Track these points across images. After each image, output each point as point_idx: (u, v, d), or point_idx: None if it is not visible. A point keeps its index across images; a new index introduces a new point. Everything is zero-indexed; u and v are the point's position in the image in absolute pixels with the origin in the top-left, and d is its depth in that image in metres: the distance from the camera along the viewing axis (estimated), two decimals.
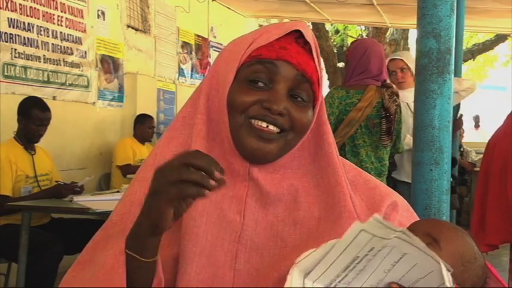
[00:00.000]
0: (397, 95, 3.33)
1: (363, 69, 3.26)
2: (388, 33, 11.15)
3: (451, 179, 3.15)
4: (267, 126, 0.97)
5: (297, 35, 1.00)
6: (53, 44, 4.73)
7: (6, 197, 3.51)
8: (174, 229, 0.98)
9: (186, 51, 6.99)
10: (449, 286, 0.77)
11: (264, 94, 0.97)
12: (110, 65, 5.53)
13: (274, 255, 0.96)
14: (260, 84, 0.97)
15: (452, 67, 1.47)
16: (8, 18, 4.25)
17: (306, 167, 1.03)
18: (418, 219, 1.09)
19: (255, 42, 0.99)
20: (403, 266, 0.80)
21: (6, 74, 4.24)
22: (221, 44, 7.56)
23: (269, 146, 0.97)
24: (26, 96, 4.03)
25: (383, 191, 1.07)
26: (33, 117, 3.68)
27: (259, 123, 0.96)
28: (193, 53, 7.18)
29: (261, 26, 6.21)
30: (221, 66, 1.01)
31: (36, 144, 3.83)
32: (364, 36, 11.49)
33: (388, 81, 3.44)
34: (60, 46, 4.83)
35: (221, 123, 0.99)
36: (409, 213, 1.08)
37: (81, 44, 5.10)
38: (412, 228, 0.98)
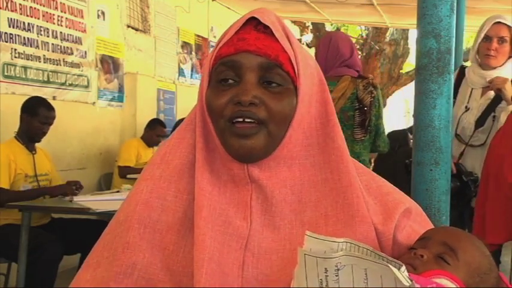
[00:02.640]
0: (374, 87, 3.12)
1: (334, 54, 3.11)
2: (388, 33, 11.16)
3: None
4: (244, 120, 0.94)
5: (255, 22, 0.98)
6: (53, 44, 4.73)
7: (5, 190, 3.51)
8: (179, 234, 0.98)
9: (186, 51, 6.99)
10: (408, 285, 0.75)
11: (234, 90, 0.95)
12: (110, 65, 5.53)
13: (284, 259, 0.94)
14: (230, 82, 0.96)
15: (452, 67, 1.47)
16: (8, 18, 4.25)
17: (314, 157, 1.00)
18: (431, 225, 1.07)
19: (220, 43, 0.99)
20: (374, 280, 0.77)
21: (6, 74, 4.24)
22: None
23: (250, 141, 0.95)
24: (26, 96, 4.03)
25: (396, 197, 1.04)
26: (39, 115, 3.71)
27: (237, 120, 0.95)
28: (193, 53, 7.18)
29: None
30: (202, 74, 1.02)
31: (36, 145, 3.84)
32: (364, 36, 11.50)
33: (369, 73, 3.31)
34: (60, 46, 4.83)
35: (211, 131, 0.99)
36: (422, 218, 1.06)
37: (81, 44, 5.10)
38: (428, 236, 0.97)
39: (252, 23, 0.98)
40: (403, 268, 0.80)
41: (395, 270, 0.75)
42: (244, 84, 0.95)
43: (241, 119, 0.94)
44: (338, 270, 0.78)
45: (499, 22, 2.95)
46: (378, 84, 3.22)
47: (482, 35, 2.99)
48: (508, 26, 2.92)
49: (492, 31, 2.94)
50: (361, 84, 3.07)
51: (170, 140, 1.05)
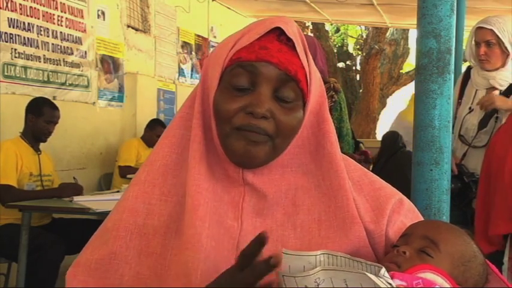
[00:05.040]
0: (336, 91, 3.14)
1: None
2: (388, 33, 11.16)
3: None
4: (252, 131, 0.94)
5: (279, 32, 0.96)
6: (53, 44, 4.73)
7: (11, 187, 3.52)
8: (166, 236, 0.97)
9: (186, 51, 6.99)
10: (383, 287, 0.77)
11: (247, 99, 0.94)
12: (110, 65, 5.53)
13: None
14: (243, 88, 0.95)
15: (452, 67, 1.47)
16: (8, 18, 4.25)
17: (306, 166, 1.01)
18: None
19: (237, 44, 0.96)
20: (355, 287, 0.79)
21: (6, 74, 4.24)
22: None
23: (256, 148, 0.95)
24: (26, 96, 4.05)
25: (388, 192, 1.05)
26: (44, 114, 3.77)
27: (244, 130, 0.94)
28: (193, 53, 7.18)
29: None
30: (209, 70, 0.99)
31: (39, 147, 3.86)
32: (364, 37, 11.51)
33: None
34: (60, 46, 4.83)
35: (211, 130, 0.98)
36: (414, 214, 1.06)
37: (81, 44, 5.10)
38: (409, 231, 0.98)
39: (275, 32, 0.96)
40: (383, 270, 0.81)
41: (372, 276, 0.77)
42: (258, 95, 0.94)
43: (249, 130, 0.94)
44: (318, 285, 0.79)
45: (481, 27, 2.95)
46: (340, 88, 3.24)
47: (473, 41, 3.00)
48: (491, 30, 2.90)
49: (478, 37, 2.97)
50: None
51: (160, 138, 1.05)
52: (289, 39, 0.96)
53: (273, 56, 0.94)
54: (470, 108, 2.99)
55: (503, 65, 2.95)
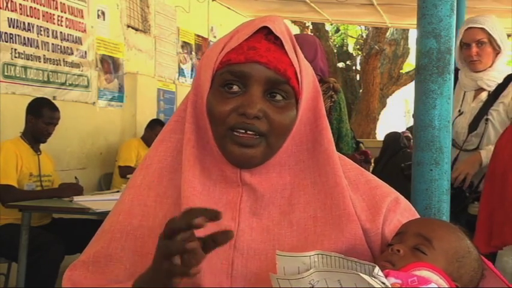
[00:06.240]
0: (336, 91, 3.12)
1: None
2: (388, 33, 11.17)
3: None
4: (246, 132, 0.95)
5: (266, 31, 0.97)
6: (53, 44, 4.73)
7: (11, 187, 3.52)
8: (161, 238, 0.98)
9: (186, 51, 7.00)
10: (377, 286, 0.77)
11: (239, 100, 0.95)
12: (110, 65, 5.53)
13: (273, 258, 0.94)
14: (235, 89, 0.95)
15: (452, 67, 1.47)
16: (8, 18, 4.25)
17: (303, 162, 1.02)
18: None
19: (226, 46, 0.97)
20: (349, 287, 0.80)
21: (6, 74, 4.24)
22: None
23: (252, 150, 0.96)
24: (26, 96, 4.05)
25: (385, 190, 1.05)
26: (44, 116, 3.77)
27: (239, 131, 0.95)
28: (193, 53, 7.18)
29: None
30: (201, 73, 1.00)
31: (40, 147, 3.86)
32: (364, 37, 11.51)
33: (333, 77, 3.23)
34: (60, 46, 4.83)
35: (207, 132, 0.98)
36: (410, 213, 1.06)
37: (81, 44, 5.10)
38: (403, 230, 0.98)
39: (263, 32, 0.97)
40: (377, 269, 0.81)
41: (366, 276, 0.77)
42: (250, 96, 0.95)
43: (243, 130, 0.95)
44: (313, 286, 0.80)
45: (471, 27, 2.88)
46: (340, 88, 3.22)
47: (459, 43, 2.93)
48: (482, 28, 2.82)
49: (468, 37, 2.89)
50: (321, 88, 3.11)
51: (154, 142, 1.06)
52: (277, 38, 0.97)
53: (262, 55, 0.95)
54: (459, 111, 2.92)
55: (492, 65, 2.88)
